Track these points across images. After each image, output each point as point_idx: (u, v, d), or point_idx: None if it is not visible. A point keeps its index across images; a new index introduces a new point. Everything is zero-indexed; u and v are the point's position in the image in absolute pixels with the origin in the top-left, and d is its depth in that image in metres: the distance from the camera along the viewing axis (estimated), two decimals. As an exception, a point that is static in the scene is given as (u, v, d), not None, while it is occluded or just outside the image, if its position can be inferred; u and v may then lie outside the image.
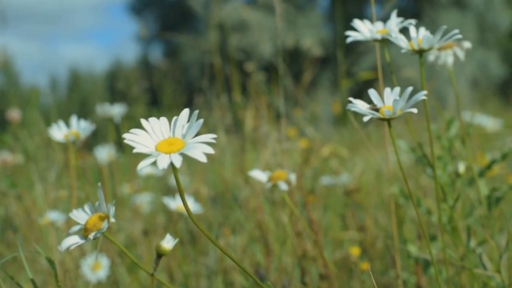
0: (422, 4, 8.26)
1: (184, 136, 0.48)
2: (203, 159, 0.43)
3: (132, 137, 0.47)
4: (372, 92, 0.58)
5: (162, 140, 0.48)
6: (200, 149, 0.44)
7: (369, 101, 0.58)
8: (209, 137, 0.46)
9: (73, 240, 0.54)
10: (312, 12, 8.76)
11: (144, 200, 1.50)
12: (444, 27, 0.60)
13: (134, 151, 0.46)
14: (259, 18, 7.84)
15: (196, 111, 0.47)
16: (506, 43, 9.00)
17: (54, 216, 1.11)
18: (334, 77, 7.81)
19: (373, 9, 0.77)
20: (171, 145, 0.47)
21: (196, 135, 0.47)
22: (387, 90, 0.57)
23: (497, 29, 8.58)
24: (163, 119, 0.49)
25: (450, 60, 0.79)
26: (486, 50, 8.31)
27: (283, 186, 0.84)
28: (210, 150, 0.44)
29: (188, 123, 0.48)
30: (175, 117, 0.49)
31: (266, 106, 1.63)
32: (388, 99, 0.57)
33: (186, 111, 0.49)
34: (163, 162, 0.44)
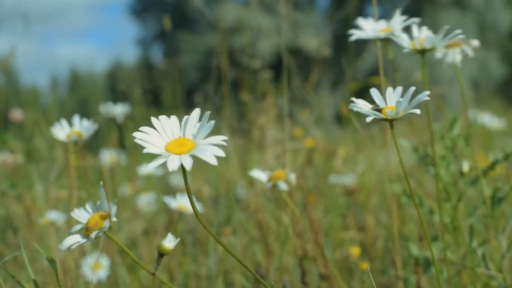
0: (422, 4, 8.26)
1: (194, 136, 0.46)
2: (214, 162, 0.42)
3: (142, 136, 0.46)
4: (374, 92, 0.57)
5: (172, 140, 0.47)
6: (211, 151, 0.43)
7: (371, 101, 0.57)
8: (219, 139, 0.44)
9: (74, 239, 0.54)
10: (312, 12, 8.76)
11: (145, 200, 1.50)
12: (447, 27, 0.60)
13: (145, 151, 0.44)
14: (259, 18, 7.83)
15: (208, 112, 0.46)
16: (506, 43, 9.00)
17: (54, 216, 1.10)
18: (334, 77, 7.81)
19: (375, 8, 0.76)
20: (181, 145, 0.46)
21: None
22: (389, 90, 0.57)
23: (497, 29, 8.58)
24: (174, 118, 0.48)
25: (458, 58, 0.79)
26: (486, 50, 8.31)
27: (283, 186, 0.84)
28: (221, 153, 0.43)
29: (200, 123, 0.47)
30: (186, 117, 0.48)
31: (273, 106, 1.63)
32: (390, 99, 0.56)
33: (197, 111, 0.48)
34: (173, 164, 0.43)
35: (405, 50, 0.63)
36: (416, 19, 0.66)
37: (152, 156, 0.45)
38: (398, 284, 0.88)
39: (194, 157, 0.44)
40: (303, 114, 1.99)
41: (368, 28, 0.68)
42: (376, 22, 0.69)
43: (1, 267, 0.66)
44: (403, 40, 0.63)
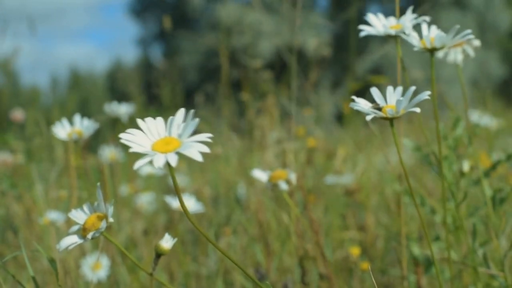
0: (422, 4, 8.26)
1: (180, 135, 0.48)
2: (199, 158, 0.43)
3: (128, 137, 0.47)
4: (374, 91, 0.57)
5: (159, 139, 0.48)
6: (196, 148, 0.44)
7: (371, 100, 0.57)
8: (205, 136, 0.46)
9: (71, 240, 0.54)
10: (312, 12, 8.76)
11: (145, 200, 1.49)
12: (457, 26, 0.59)
13: (130, 150, 0.46)
14: (259, 18, 7.83)
15: (192, 110, 0.47)
16: (506, 43, 9.00)
17: (54, 216, 1.10)
18: (334, 77, 7.81)
19: (397, 5, 0.75)
20: (167, 144, 0.47)
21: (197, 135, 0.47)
22: (390, 89, 0.57)
23: (497, 29, 8.58)
24: (159, 119, 0.50)
25: (459, 57, 0.79)
26: (486, 50, 8.32)
27: (283, 186, 0.84)
28: (206, 149, 0.44)
29: (184, 122, 0.48)
30: (171, 117, 0.49)
31: (274, 105, 1.63)
32: (391, 98, 0.56)
33: (182, 111, 0.49)
34: (158, 161, 0.44)
35: (415, 49, 0.62)
36: (426, 17, 0.65)
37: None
38: (403, 283, 0.88)
39: (190, 158, 0.45)
40: (304, 113, 1.99)
41: (378, 24, 0.67)
42: (386, 19, 0.68)
43: (1, 267, 0.66)
44: (413, 38, 0.63)
